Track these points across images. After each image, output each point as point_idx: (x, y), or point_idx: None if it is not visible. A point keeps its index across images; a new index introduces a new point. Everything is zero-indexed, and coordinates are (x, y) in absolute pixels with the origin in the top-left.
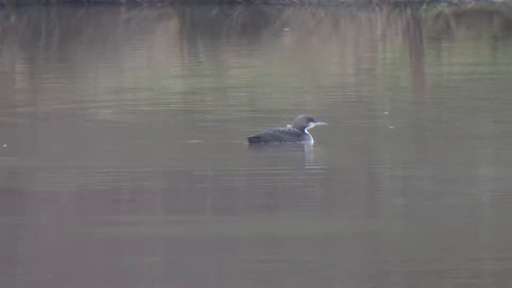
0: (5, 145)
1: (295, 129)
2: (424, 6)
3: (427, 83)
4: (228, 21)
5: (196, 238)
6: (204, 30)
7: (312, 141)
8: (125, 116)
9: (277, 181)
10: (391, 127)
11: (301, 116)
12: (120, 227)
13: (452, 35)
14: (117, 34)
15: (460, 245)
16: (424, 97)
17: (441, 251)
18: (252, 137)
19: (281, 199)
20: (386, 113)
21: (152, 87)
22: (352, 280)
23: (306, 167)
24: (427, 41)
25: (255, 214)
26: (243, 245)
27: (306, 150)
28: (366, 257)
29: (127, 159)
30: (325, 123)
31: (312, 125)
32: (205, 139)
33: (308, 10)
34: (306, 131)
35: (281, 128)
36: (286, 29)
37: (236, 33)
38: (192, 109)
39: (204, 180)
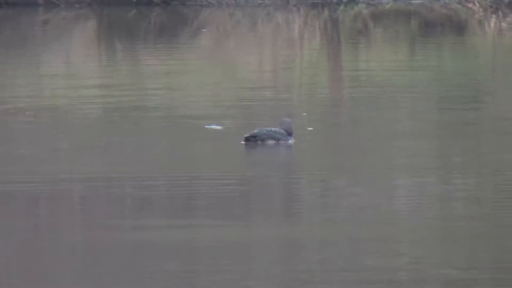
0: None
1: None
2: (342, 7)
3: (344, 83)
4: (146, 22)
5: (113, 245)
6: (121, 31)
7: (292, 142)
8: (41, 117)
9: (197, 187)
10: (310, 128)
11: (288, 119)
12: (38, 232)
13: (369, 36)
14: (35, 35)
15: (378, 252)
16: (342, 97)
17: (360, 258)
18: (248, 136)
19: (200, 205)
20: (305, 114)
21: (69, 88)
22: None
23: (223, 172)
24: (345, 42)
25: (173, 220)
26: (161, 252)
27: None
28: (285, 266)
29: (44, 163)
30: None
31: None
32: (122, 141)
33: (225, 11)
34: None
35: (273, 128)
36: (204, 29)
37: (153, 34)
38: (111, 110)
39: (122, 186)
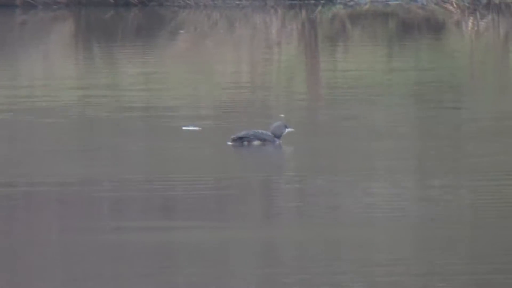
0: None
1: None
2: (319, 8)
3: (322, 84)
4: (124, 23)
5: (91, 247)
6: (99, 32)
7: (279, 143)
8: (18, 119)
9: (176, 189)
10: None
11: (279, 123)
12: (15, 235)
13: (347, 37)
14: (13, 36)
15: (356, 254)
16: (319, 98)
17: (338, 260)
18: (235, 137)
19: (179, 207)
20: (283, 115)
21: (47, 88)
22: None
23: (202, 174)
24: (323, 43)
25: (152, 222)
26: (139, 253)
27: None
28: (263, 267)
29: (21, 165)
30: (293, 129)
31: (285, 131)
32: (100, 143)
33: (203, 12)
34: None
35: (260, 130)
36: (181, 31)
37: (131, 35)
38: (88, 111)
39: (100, 188)
